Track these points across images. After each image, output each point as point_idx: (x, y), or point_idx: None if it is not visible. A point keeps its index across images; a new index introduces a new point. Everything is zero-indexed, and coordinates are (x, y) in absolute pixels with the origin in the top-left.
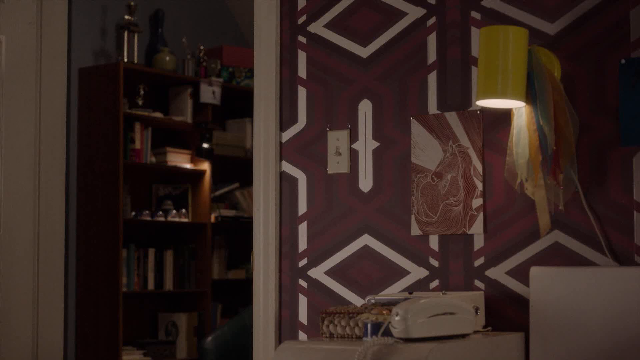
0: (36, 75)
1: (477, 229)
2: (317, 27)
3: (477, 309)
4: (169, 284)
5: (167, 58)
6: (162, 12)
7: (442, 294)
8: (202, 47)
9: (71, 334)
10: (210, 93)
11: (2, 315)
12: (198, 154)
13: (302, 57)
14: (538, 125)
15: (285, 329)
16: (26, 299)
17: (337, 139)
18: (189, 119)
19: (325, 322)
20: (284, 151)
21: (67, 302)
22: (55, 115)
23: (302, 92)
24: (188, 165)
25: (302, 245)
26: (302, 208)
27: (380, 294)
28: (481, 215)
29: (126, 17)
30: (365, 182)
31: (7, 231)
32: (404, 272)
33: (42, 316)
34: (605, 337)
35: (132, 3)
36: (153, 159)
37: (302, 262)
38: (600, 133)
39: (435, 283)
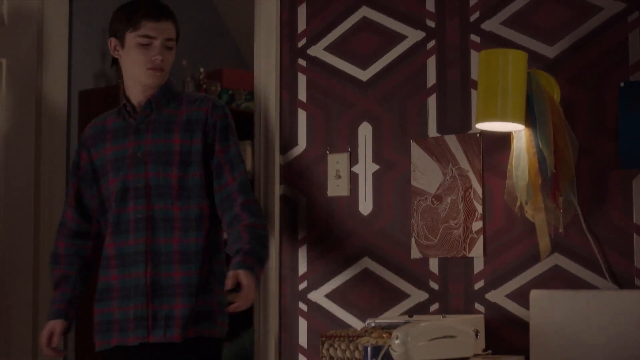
0: (37, 97)
1: (477, 252)
2: (317, 50)
3: (477, 332)
4: None
5: None
6: None
7: (442, 317)
8: (202, 70)
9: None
10: None
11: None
12: None
13: (302, 80)
14: (538, 148)
15: (286, 352)
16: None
17: (337, 162)
18: None
19: (325, 346)
20: (284, 174)
21: None
22: (56, 137)
23: (302, 115)
24: None
25: (302, 268)
26: (302, 231)
27: (380, 317)
28: (481, 238)
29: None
30: (365, 205)
31: (7, 251)
32: (404, 295)
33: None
34: None
35: None
36: None
37: (302, 285)
38: (599, 156)
39: (435, 306)
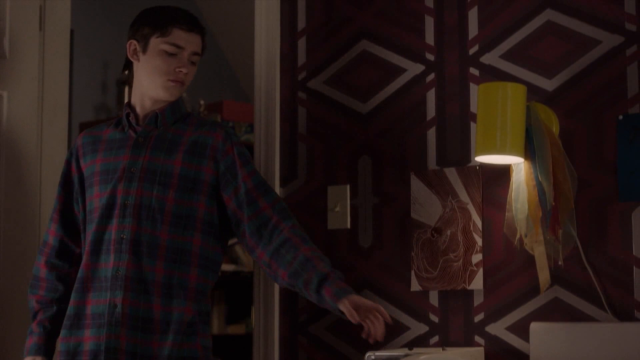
0: (37, 130)
1: (476, 284)
2: (317, 84)
3: None
4: None
5: None
6: None
7: (442, 349)
8: (202, 102)
9: None
10: None
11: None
12: None
13: (302, 112)
14: (537, 181)
15: None
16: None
17: (337, 195)
18: None
19: None
20: None
21: None
22: (56, 169)
23: (302, 148)
24: None
25: (303, 300)
26: None
27: (381, 350)
28: (481, 270)
29: (127, 72)
30: (365, 238)
31: (7, 278)
32: (404, 328)
33: None
34: None
35: None
36: None
37: (303, 318)
38: (598, 188)
39: (435, 339)
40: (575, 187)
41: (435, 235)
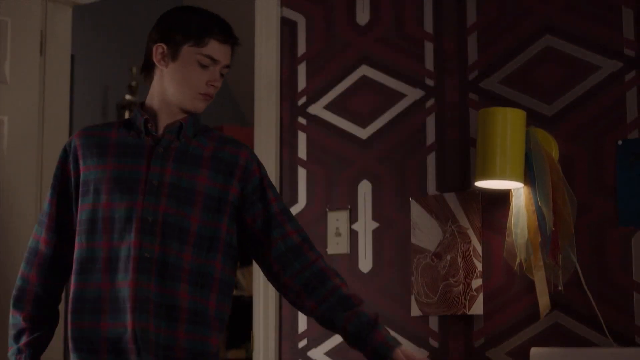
0: (38, 155)
1: (477, 309)
2: (317, 109)
3: None
4: None
5: None
6: None
7: None
8: None
9: None
10: None
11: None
12: None
13: (302, 138)
14: (537, 206)
15: None
16: None
17: (336, 220)
18: None
19: None
20: None
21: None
22: None
23: (302, 173)
24: None
25: (302, 325)
26: None
27: None
28: (481, 295)
29: (127, 96)
30: (365, 263)
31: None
32: None
33: None
34: None
35: (133, 83)
36: None
37: (302, 343)
38: (598, 213)
39: None
40: (575, 212)
41: (435, 260)
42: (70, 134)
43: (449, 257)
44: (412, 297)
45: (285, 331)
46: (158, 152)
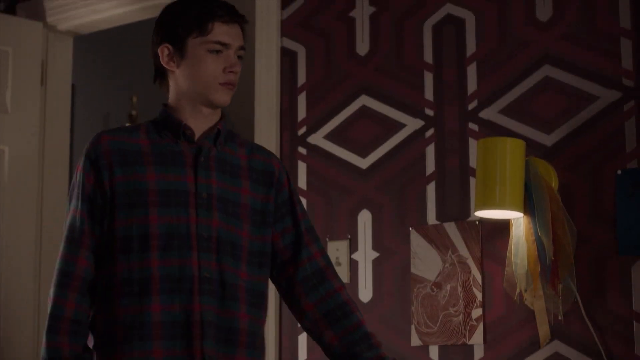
0: (38, 184)
1: (477, 339)
2: (317, 139)
3: None
4: None
5: None
6: None
7: None
8: None
9: None
10: None
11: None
12: None
13: (302, 167)
14: (536, 236)
15: None
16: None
17: (337, 249)
18: None
19: None
20: None
21: None
22: (56, 223)
23: (302, 202)
24: None
25: (302, 355)
26: None
27: None
28: (481, 325)
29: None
30: (365, 292)
31: (7, 344)
32: None
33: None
34: None
35: (134, 112)
36: None
37: None
38: (598, 243)
39: None
40: (575, 241)
41: (435, 289)
42: (71, 163)
43: (449, 287)
44: (412, 327)
45: (286, 356)
46: (201, 161)
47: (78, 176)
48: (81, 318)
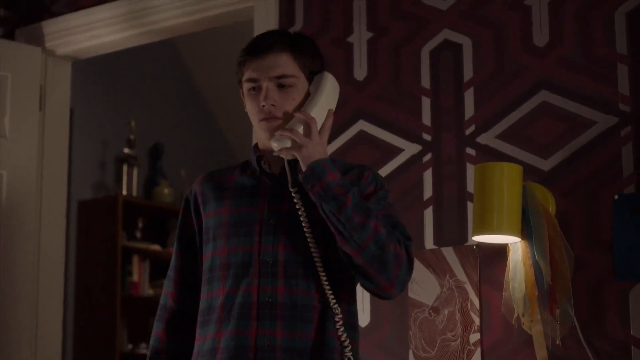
0: (36, 208)
1: None
2: None
3: None
4: None
5: (166, 191)
6: (162, 145)
7: None
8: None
9: None
10: None
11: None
12: None
13: None
14: (534, 261)
15: None
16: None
17: None
18: None
19: None
20: None
21: None
22: (54, 247)
23: None
24: None
25: None
26: None
27: None
28: (479, 350)
29: (126, 150)
30: (363, 317)
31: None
32: None
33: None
34: None
35: (132, 137)
36: (151, 292)
37: None
38: (595, 268)
39: None
40: (572, 266)
41: (432, 314)
42: (69, 188)
43: (446, 312)
44: (410, 352)
45: None
46: (274, 191)
47: (179, 218)
48: (176, 347)
